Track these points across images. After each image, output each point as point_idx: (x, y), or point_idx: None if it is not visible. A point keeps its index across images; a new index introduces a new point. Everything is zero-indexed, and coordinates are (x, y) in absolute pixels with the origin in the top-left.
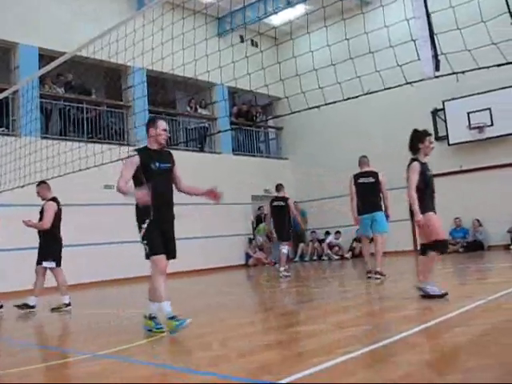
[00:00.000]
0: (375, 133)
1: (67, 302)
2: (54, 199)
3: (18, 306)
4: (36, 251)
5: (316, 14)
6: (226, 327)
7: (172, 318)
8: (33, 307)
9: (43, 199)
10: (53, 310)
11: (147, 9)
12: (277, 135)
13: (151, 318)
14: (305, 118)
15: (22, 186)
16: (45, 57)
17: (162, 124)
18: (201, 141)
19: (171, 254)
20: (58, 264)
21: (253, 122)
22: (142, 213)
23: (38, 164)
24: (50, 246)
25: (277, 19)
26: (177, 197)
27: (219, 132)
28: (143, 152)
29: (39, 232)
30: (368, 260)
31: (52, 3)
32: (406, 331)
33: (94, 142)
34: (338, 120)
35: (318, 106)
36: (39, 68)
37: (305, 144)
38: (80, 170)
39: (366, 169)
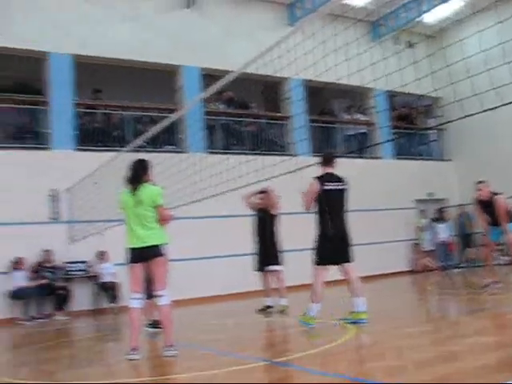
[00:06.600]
0: None
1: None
2: None
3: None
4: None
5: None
6: (398, 336)
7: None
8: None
9: None
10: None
11: (303, 23)
12: (439, 136)
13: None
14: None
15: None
16: (206, 76)
17: None
18: (360, 148)
19: None
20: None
21: (417, 127)
22: None
23: (207, 180)
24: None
25: (430, 17)
26: None
27: (379, 143)
28: None
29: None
30: None
31: (207, 24)
32: None
33: (261, 155)
34: (508, 116)
35: (493, 108)
36: (201, 87)
37: (471, 144)
38: (248, 184)
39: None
